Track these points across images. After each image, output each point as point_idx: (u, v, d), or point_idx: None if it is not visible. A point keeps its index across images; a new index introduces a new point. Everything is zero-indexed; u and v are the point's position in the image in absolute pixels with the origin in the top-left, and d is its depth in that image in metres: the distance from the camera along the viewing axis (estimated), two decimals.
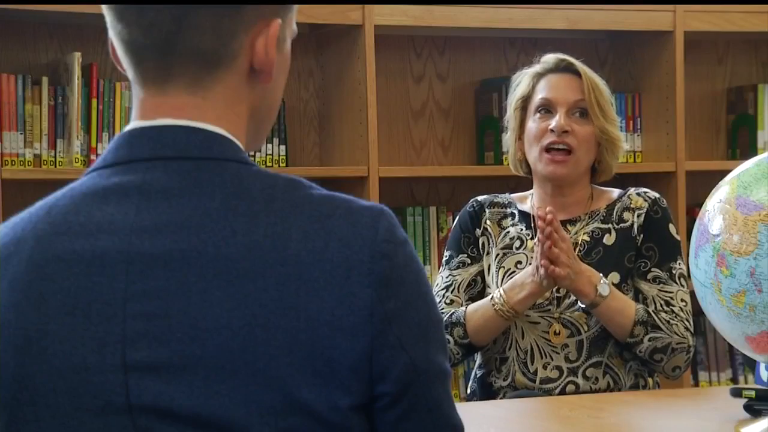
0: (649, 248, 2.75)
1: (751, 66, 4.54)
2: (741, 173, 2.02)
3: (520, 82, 2.83)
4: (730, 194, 2.00)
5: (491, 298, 2.69)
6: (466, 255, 2.82)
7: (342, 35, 3.87)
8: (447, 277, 2.82)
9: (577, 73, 2.78)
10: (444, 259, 2.86)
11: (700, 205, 2.10)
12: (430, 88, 4.17)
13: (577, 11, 4.02)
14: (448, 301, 2.79)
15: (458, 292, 2.79)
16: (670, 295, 2.71)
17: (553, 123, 2.73)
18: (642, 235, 2.76)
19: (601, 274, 2.65)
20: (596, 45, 4.32)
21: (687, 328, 2.69)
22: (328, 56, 3.97)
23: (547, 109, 2.77)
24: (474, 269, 2.81)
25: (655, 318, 2.66)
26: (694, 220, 2.13)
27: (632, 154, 4.19)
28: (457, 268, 2.82)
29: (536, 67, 2.82)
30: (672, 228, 2.78)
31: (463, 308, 2.74)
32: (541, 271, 2.59)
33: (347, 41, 3.85)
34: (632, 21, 4.08)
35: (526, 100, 2.81)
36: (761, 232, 1.93)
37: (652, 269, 2.73)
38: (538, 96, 2.78)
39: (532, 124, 2.78)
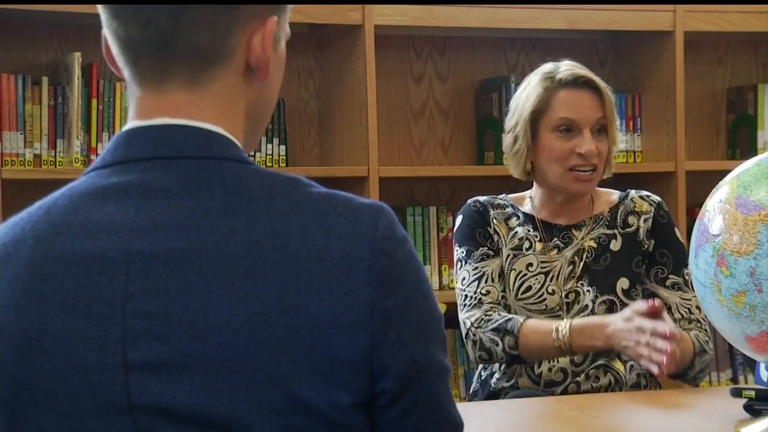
0: (663, 254, 2.73)
1: (751, 66, 4.54)
2: (741, 173, 2.02)
3: (530, 92, 2.74)
4: (730, 194, 1.99)
5: (555, 331, 2.60)
6: (486, 248, 2.75)
7: (342, 35, 3.87)
8: (474, 270, 2.73)
9: (595, 89, 2.71)
10: (460, 255, 2.76)
11: (700, 205, 2.10)
12: (430, 88, 4.17)
13: (577, 11, 4.02)
14: (484, 291, 2.70)
15: (492, 282, 2.71)
16: (690, 303, 2.71)
17: (584, 148, 2.67)
18: (653, 241, 2.74)
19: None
20: (596, 45, 4.32)
21: (709, 339, 2.70)
22: (328, 56, 3.97)
23: (568, 128, 2.70)
24: (499, 261, 2.75)
25: (701, 343, 2.66)
26: (694, 220, 2.12)
27: (632, 154, 4.19)
28: (482, 259, 2.73)
29: (548, 78, 2.72)
30: (677, 232, 2.77)
31: (521, 319, 2.65)
32: (651, 365, 2.45)
33: (347, 41, 3.85)
34: (632, 21, 4.07)
35: (538, 113, 2.72)
36: (761, 232, 1.92)
37: (670, 276, 2.72)
38: (558, 114, 2.70)
39: (554, 142, 2.70)
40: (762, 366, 2.31)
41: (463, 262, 2.76)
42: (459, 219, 2.82)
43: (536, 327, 2.64)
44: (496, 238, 2.77)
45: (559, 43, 4.24)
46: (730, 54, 4.51)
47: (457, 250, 2.78)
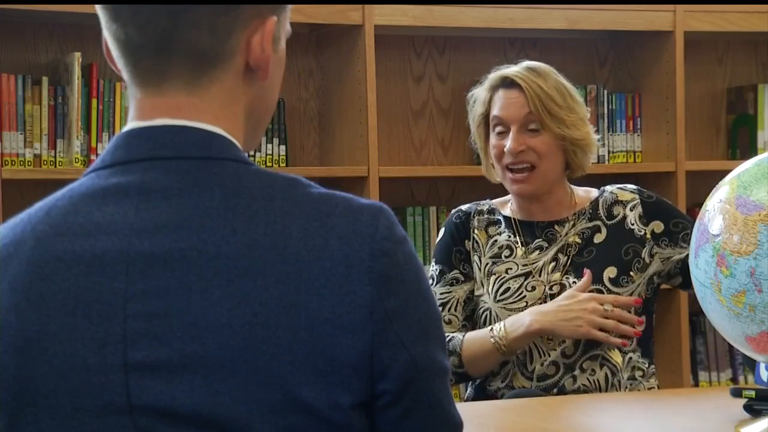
0: (677, 223, 2.76)
1: (751, 66, 4.54)
2: (741, 173, 2.02)
3: (477, 98, 2.82)
4: (730, 194, 1.99)
5: (490, 330, 2.65)
6: (458, 272, 2.78)
7: (342, 35, 3.87)
8: (442, 294, 2.77)
9: (520, 87, 2.75)
10: (434, 272, 2.80)
11: (700, 205, 2.10)
12: (430, 88, 4.17)
13: (577, 11, 4.02)
14: (446, 320, 2.75)
15: (455, 311, 2.75)
16: None
17: (506, 146, 2.73)
18: (656, 221, 2.76)
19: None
20: (596, 45, 4.32)
21: None
22: (328, 56, 3.97)
23: (501, 127, 2.76)
24: (468, 287, 2.77)
25: None
26: (694, 220, 2.13)
27: (632, 154, 4.19)
28: (452, 284, 2.77)
29: (486, 83, 2.81)
30: (670, 202, 2.84)
31: (461, 336, 2.69)
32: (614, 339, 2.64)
33: (347, 41, 3.85)
34: (632, 21, 4.08)
35: (486, 116, 2.80)
36: (761, 232, 1.92)
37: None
38: (492, 113, 2.77)
39: (493, 141, 2.78)
40: (762, 366, 2.31)
41: (434, 282, 2.80)
42: (441, 231, 2.86)
43: (474, 336, 2.69)
44: (473, 253, 2.79)
45: (559, 43, 4.24)
46: (730, 54, 4.51)
47: (432, 266, 2.82)
